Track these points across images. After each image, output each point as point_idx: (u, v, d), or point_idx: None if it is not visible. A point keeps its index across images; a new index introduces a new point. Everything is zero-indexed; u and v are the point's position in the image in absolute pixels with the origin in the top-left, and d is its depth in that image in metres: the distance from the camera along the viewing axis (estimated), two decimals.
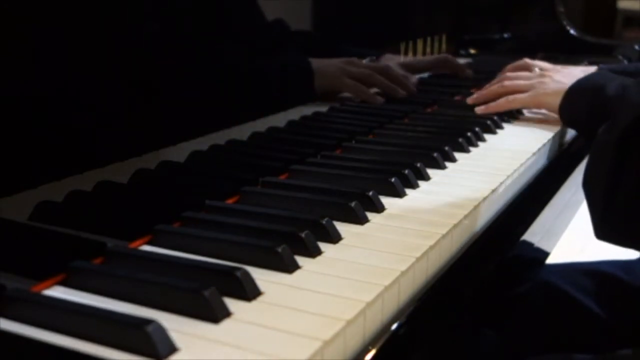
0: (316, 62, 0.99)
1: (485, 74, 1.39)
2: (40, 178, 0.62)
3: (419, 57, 1.28)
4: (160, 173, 0.73)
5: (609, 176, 0.68)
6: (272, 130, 0.91)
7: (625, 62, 1.63)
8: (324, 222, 0.59)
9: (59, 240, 0.58)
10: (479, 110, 1.04)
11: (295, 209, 0.64)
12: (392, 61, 1.18)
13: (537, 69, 1.10)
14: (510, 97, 1.03)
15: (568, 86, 0.96)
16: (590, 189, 0.72)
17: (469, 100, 1.09)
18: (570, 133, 1.04)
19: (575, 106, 0.94)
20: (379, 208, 0.66)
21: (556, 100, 0.96)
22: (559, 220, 0.92)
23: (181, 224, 0.61)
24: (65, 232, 0.59)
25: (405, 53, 1.21)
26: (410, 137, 0.93)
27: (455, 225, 0.63)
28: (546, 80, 1.02)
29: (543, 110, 1.04)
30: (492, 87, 1.08)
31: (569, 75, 1.02)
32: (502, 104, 1.03)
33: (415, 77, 1.22)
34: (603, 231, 0.71)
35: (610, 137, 0.69)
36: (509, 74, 1.11)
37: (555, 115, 0.99)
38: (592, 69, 1.07)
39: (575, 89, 0.95)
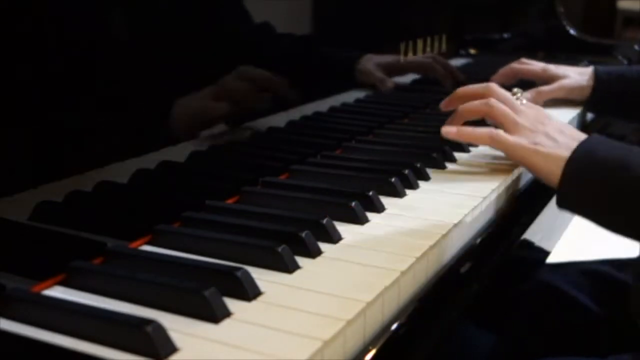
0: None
1: (485, 74, 1.39)
2: (40, 178, 0.62)
3: (403, 57, 1.19)
4: (160, 173, 0.73)
5: None
6: (272, 130, 0.91)
7: (625, 62, 1.63)
8: (324, 222, 0.59)
9: (59, 240, 0.58)
10: (447, 133, 0.83)
11: (295, 209, 0.64)
12: (371, 61, 1.16)
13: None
14: (494, 133, 0.79)
15: (564, 153, 0.73)
16: None
17: (442, 105, 0.92)
18: None
19: (585, 192, 0.72)
20: (379, 208, 0.66)
21: (550, 168, 0.74)
22: (559, 220, 0.92)
23: (181, 224, 0.61)
24: (65, 232, 0.59)
25: (405, 53, 1.21)
26: (410, 137, 0.93)
27: (455, 225, 0.63)
28: (537, 131, 0.79)
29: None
30: (474, 103, 0.84)
31: (560, 132, 0.79)
32: (484, 139, 0.81)
33: (392, 81, 1.16)
34: None
35: None
36: (495, 88, 0.86)
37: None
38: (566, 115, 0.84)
39: (577, 166, 0.72)
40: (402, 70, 1.19)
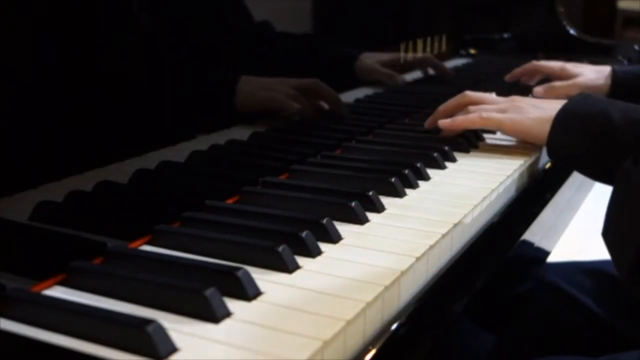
0: (243, 81, 0.86)
1: (485, 74, 1.39)
2: (40, 178, 0.62)
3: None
4: (160, 173, 0.73)
5: None
6: (272, 130, 0.91)
7: (626, 62, 1.63)
8: (324, 222, 0.59)
9: (59, 240, 0.58)
10: (443, 124, 0.89)
11: (295, 209, 0.64)
12: (371, 59, 1.17)
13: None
14: (485, 114, 0.87)
15: (550, 113, 0.82)
16: (617, 239, 0.61)
17: (426, 124, 0.94)
18: None
19: (571, 137, 0.79)
20: (379, 208, 0.66)
21: (540, 129, 0.82)
22: (559, 220, 0.92)
23: (181, 224, 0.61)
24: (65, 232, 0.59)
25: (405, 53, 1.21)
26: (410, 137, 0.93)
27: (455, 225, 0.63)
28: (521, 105, 0.87)
29: None
30: (458, 118, 0.89)
31: (543, 101, 0.88)
32: (475, 120, 0.87)
33: (402, 77, 1.21)
34: (637, 289, 0.59)
35: None
36: (469, 93, 0.92)
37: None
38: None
39: (566, 116, 0.80)
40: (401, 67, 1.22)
